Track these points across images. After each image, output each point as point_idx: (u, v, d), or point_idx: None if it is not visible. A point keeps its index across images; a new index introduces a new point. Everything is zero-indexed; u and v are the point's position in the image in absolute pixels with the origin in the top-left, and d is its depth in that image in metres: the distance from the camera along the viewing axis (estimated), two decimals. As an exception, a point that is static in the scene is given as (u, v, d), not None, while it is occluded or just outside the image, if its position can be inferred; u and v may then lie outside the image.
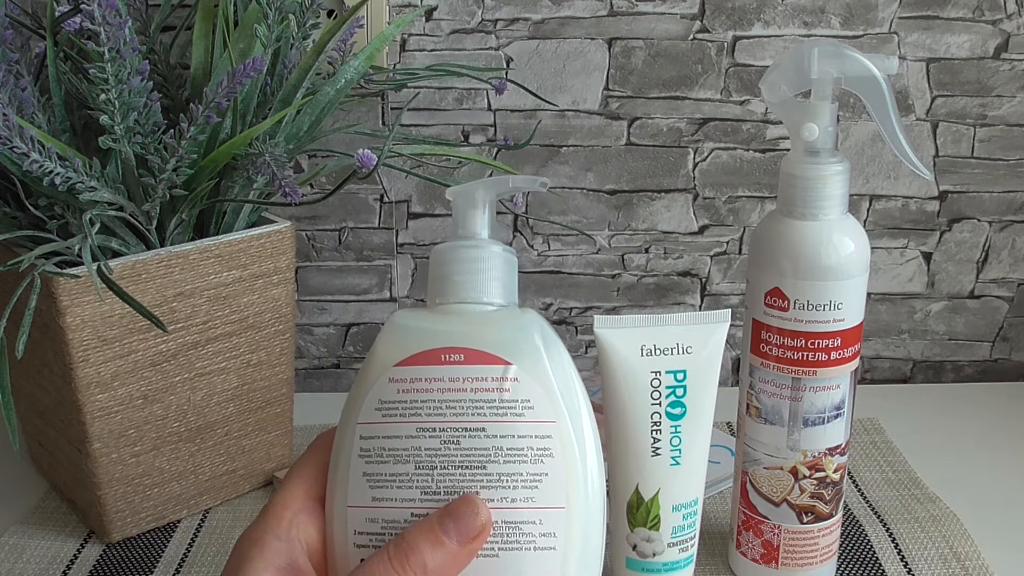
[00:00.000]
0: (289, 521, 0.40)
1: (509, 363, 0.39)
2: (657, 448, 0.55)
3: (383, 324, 0.42)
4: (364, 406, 0.40)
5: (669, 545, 0.57)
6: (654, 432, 0.55)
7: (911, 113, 0.83)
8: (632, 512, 0.56)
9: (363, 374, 0.41)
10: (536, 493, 0.39)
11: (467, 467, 0.39)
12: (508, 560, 0.39)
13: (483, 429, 0.39)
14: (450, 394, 0.39)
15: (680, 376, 0.55)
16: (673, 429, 0.55)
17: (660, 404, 0.55)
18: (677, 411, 0.55)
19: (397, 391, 0.40)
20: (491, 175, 0.84)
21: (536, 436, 0.39)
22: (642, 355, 0.55)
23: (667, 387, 0.55)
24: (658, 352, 0.55)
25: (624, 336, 0.55)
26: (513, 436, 0.39)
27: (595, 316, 0.57)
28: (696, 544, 0.58)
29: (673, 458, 0.55)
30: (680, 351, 0.55)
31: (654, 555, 0.57)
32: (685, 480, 0.56)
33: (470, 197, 0.43)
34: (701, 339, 0.56)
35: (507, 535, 0.39)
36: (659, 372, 0.55)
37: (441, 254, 0.42)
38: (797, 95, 0.54)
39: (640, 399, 0.55)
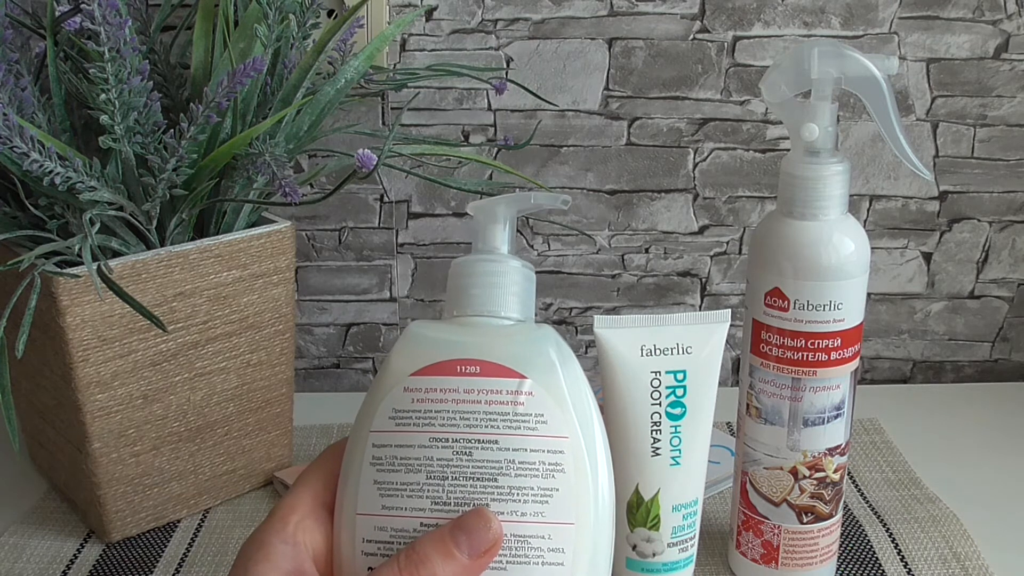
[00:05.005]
0: (295, 525, 0.40)
1: (524, 377, 0.39)
2: (657, 448, 0.55)
3: (399, 332, 0.42)
4: (378, 414, 0.40)
5: (669, 545, 0.57)
6: (654, 432, 0.55)
7: (911, 113, 0.83)
8: (632, 512, 0.56)
9: (378, 382, 0.41)
10: (546, 508, 0.39)
11: (478, 479, 0.39)
12: (516, 574, 0.38)
13: (496, 441, 0.39)
14: (464, 405, 0.39)
15: (680, 376, 0.55)
16: (673, 429, 0.55)
17: (660, 404, 0.55)
18: (677, 411, 0.55)
19: (411, 400, 0.40)
20: (491, 176, 0.84)
21: (548, 451, 0.39)
22: (642, 355, 0.55)
23: (667, 387, 0.55)
24: (658, 352, 0.55)
25: (624, 336, 0.55)
26: (525, 450, 0.39)
27: (595, 316, 0.57)
28: (696, 544, 0.58)
29: (673, 458, 0.55)
30: (680, 351, 0.55)
31: (654, 555, 0.57)
32: (685, 480, 0.56)
33: (491, 212, 0.43)
34: (701, 339, 0.56)
35: (516, 549, 0.39)
36: (659, 372, 0.55)
37: (460, 267, 0.42)
38: (797, 95, 0.54)
39: (640, 399, 0.55)
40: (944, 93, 0.82)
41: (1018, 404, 0.83)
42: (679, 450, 0.55)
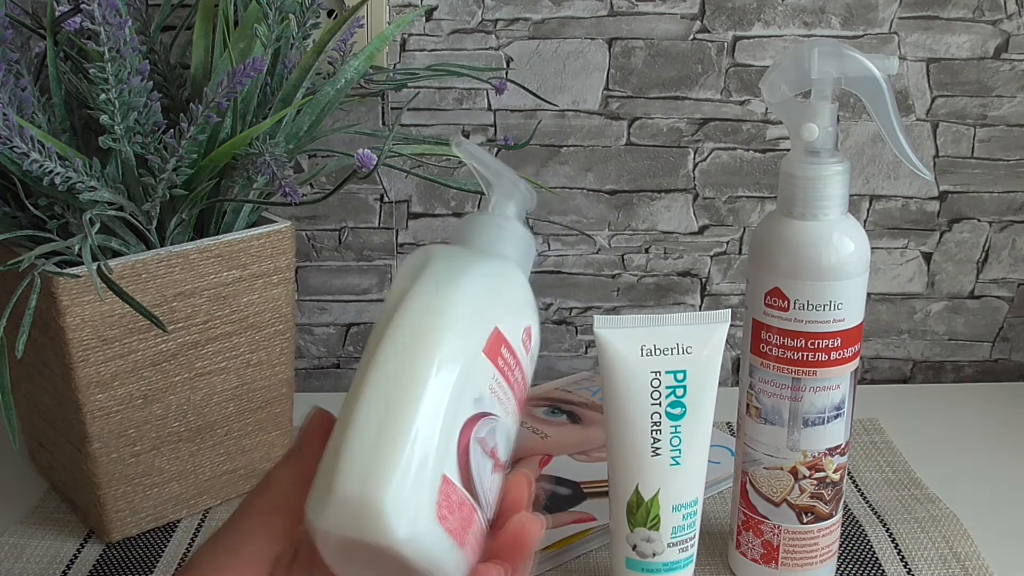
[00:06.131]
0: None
1: None
2: (657, 448, 0.55)
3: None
4: None
5: (669, 545, 0.57)
6: (654, 432, 0.55)
7: (911, 113, 0.83)
8: (632, 512, 0.56)
9: None
10: None
11: None
12: None
13: None
14: None
15: (680, 376, 0.55)
16: (673, 429, 0.55)
17: (660, 404, 0.55)
18: (677, 411, 0.55)
19: None
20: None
21: None
22: (642, 355, 0.55)
23: (667, 387, 0.55)
24: (658, 352, 0.55)
25: (624, 336, 0.55)
26: None
27: (595, 316, 0.57)
28: (696, 544, 0.58)
29: (673, 458, 0.55)
30: (680, 351, 0.55)
31: (654, 555, 0.57)
32: (685, 480, 0.56)
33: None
34: (701, 339, 0.56)
35: None
36: (659, 372, 0.55)
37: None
38: (797, 95, 0.54)
39: (640, 399, 0.55)
40: (944, 93, 0.82)
41: (1018, 404, 0.83)
42: (679, 450, 0.55)
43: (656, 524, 0.56)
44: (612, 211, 0.85)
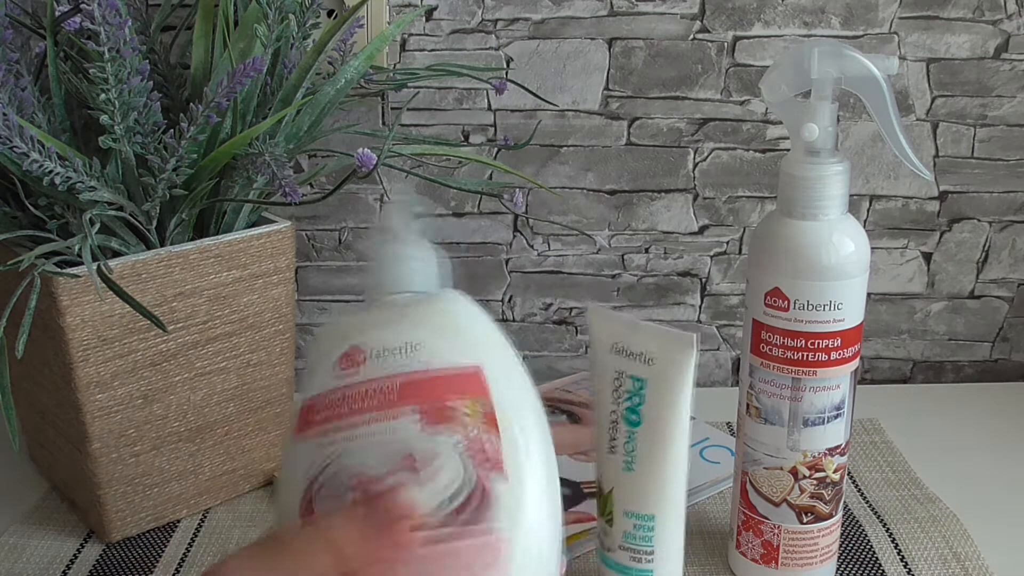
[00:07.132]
0: None
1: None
2: (613, 446, 0.56)
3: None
4: None
5: (620, 548, 0.56)
6: (611, 430, 0.56)
7: (911, 113, 0.83)
8: (599, 498, 0.57)
9: None
10: None
11: None
12: None
13: None
14: None
15: (638, 384, 0.55)
16: (628, 435, 0.55)
17: (618, 404, 0.55)
18: (633, 418, 0.55)
19: None
20: (491, 176, 0.84)
21: None
22: (611, 351, 0.55)
23: (627, 391, 0.55)
24: (626, 354, 0.55)
25: (603, 328, 0.56)
26: None
27: (589, 304, 0.56)
28: (654, 561, 0.56)
29: (626, 462, 0.55)
30: (644, 360, 0.55)
31: (609, 550, 0.57)
32: (637, 489, 0.55)
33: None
34: (665, 356, 0.54)
35: None
36: (623, 373, 0.55)
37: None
38: (797, 95, 0.54)
39: (605, 392, 0.56)
40: (944, 93, 0.82)
41: (1018, 404, 0.83)
42: (632, 456, 0.55)
43: (610, 520, 0.57)
44: (612, 211, 0.85)
